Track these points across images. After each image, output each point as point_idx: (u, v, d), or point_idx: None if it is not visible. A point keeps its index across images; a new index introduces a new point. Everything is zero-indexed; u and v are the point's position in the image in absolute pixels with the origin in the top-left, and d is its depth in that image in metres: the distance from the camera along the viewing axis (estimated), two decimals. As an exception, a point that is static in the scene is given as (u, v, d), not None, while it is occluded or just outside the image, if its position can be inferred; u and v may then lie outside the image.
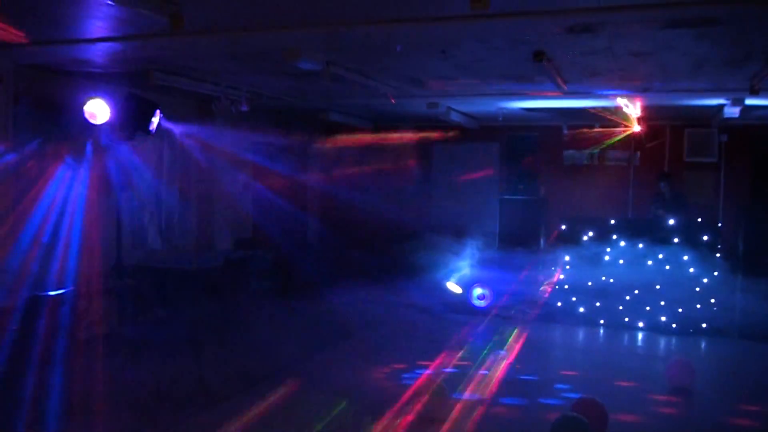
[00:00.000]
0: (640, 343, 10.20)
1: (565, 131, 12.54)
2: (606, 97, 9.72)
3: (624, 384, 7.96)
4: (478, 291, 11.23)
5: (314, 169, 14.41)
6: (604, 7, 5.25)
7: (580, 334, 10.57)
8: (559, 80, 8.11)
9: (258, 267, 10.67)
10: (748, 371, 8.70)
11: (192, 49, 6.92)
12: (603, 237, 10.85)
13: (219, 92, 9.19)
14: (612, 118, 11.36)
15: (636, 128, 11.77)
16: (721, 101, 9.82)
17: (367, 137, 13.88)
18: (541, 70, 7.50)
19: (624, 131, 11.83)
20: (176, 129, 10.52)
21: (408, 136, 13.43)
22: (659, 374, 8.01)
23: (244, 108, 9.44)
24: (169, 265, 9.84)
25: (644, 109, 11.02)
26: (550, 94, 9.22)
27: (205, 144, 10.94)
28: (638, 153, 12.63)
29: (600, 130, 12.01)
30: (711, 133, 12.21)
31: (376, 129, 13.86)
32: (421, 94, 10.03)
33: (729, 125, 11.88)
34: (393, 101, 9.62)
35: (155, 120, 9.15)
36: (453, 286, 11.41)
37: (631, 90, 9.08)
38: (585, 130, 12.22)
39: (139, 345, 7.95)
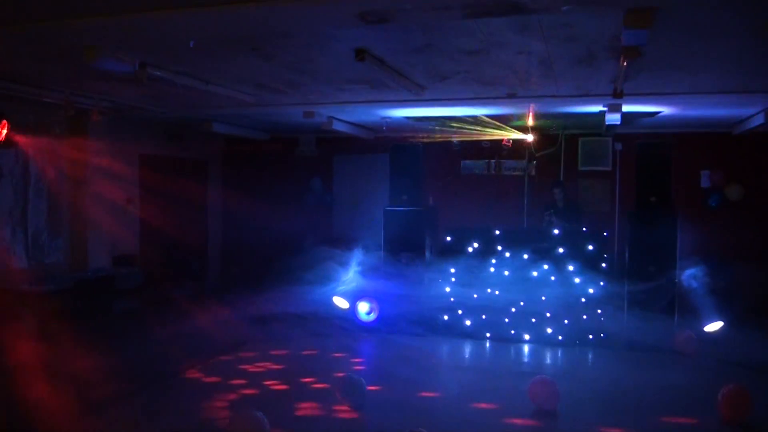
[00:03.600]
0: (521, 358, 9.21)
1: (456, 141, 11.49)
2: (477, 103, 8.71)
3: (484, 406, 6.97)
4: (365, 306, 10.18)
5: (213, 181, 13.35)
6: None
7: (459, 349, 9.55)
8: (409, 84, 7.09)
9: (125, 286, 9.48)
10: (622, 388, 7.68)
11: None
12: (488, 248, 9.88)
13: (64, 100, 8.05)
14: (503, 126, 10.45)
15: (529, 137, 10.84)
16: (600, 107, 8.88)
17: (265, 149, 12.87)
18: (384, 73, 6.49)
19: (516, 140, 10.90)
20: (41, 142, 9.49)
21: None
22: (525, 394, 6.99)
23: (96, 118, 8.31)
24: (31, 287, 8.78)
25: (536, 117, 10.10)
26: (413, 101, 8.19)
27: (77, 157, 9.88)
28: (534, 162, 11.68)
29: (492, 139, 11.02)
30: (605, 141, 11.31)
31: (274, 141, 12.78)
32: (294, 103, 8.96)
33: (624, 134, 11.02)
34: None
35: (2, 131, 8.27)
36: (340, 301, 10.34)
37: (496, 96, 8.06)
38: (477, 139, 11.22)
39: None
